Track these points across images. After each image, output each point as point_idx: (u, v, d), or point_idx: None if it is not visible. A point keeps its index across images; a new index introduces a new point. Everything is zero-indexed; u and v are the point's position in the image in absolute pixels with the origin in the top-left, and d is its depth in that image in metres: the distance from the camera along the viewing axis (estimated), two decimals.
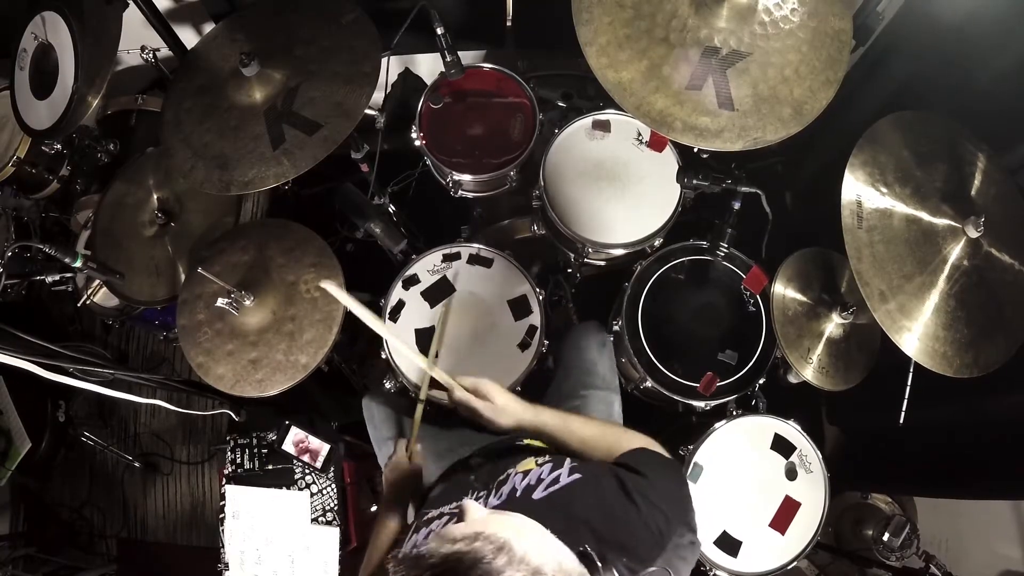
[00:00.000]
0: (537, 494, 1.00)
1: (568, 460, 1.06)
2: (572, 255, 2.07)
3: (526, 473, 1.06)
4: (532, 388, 1.83)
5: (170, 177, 2.15)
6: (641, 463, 1.05)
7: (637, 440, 1.16)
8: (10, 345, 1.41)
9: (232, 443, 2.06)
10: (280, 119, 1.71)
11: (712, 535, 1.79)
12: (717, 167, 1.93)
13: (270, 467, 2.03)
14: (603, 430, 1.23)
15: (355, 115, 1.69)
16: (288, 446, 2.00)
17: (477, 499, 1.08)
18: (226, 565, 1.99)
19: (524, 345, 1.86)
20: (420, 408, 1.54)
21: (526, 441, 1.29)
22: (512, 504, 0.98)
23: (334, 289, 1.38)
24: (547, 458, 1.09)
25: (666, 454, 1.14)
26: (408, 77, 2.45)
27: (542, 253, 2.25)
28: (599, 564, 0.78)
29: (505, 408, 1.26)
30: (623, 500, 0.96)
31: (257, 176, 1.67)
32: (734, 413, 1.89)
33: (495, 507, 1.02)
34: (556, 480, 1.01)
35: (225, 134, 1.73)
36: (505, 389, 1.30)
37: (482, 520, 0.80)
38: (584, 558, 0.79)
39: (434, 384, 1.81)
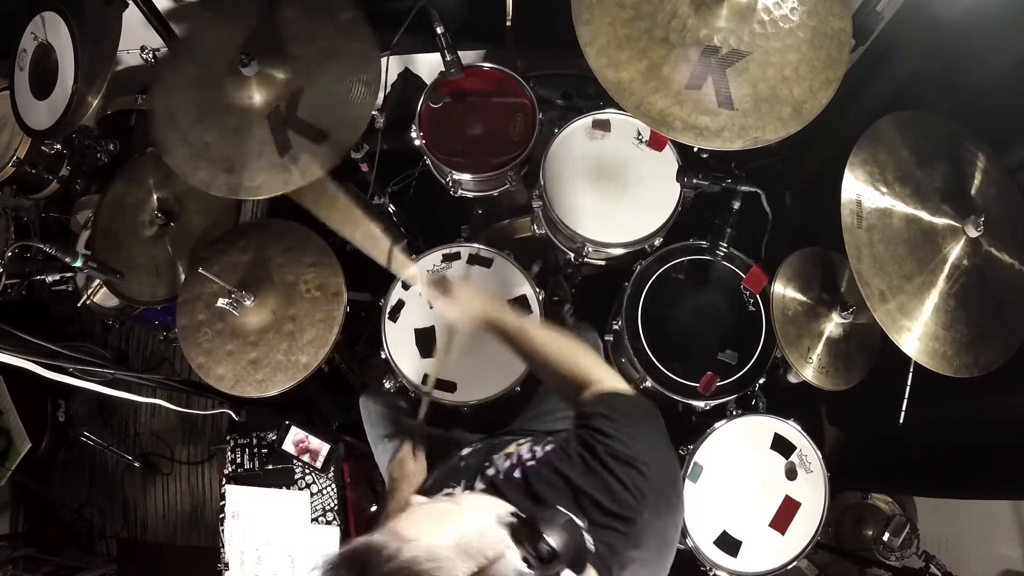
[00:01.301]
0: (517, 472, 1.02)
1: (547, 437, 1.08)
2: (572, 255, 2.07)
3: (508, 455, 1.08)
4: (532, 388, 1.84)
5: (170, 177, 2.15)
6: (608, 414, 0.99)
7: (599, 371, 1.10)
8: (10, 345, 1.41)
9: (232, 443, 2.06)
10: (285, 125, 1.69)
11: (712, 535, 1.79)
12: (717, 166, 1.93)
13: (270, 467, 2.04)
14: (564, 346, 1.17)
15: (361, 123, 1.68)
16: (288, 446, 2.00)
17: (465, 487, 1.08)
18: (226, 565, 1.99)
19: None
20: (427, 403, 1.54)
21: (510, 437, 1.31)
22: (494, 489, 0.98)
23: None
24: (528, 439, 1.11)
25: (633, 394, 1.08)
26: (408, 77, 2.45)
27: (542, 253, 2.25)
28: (528, 525, 0.75)
29: (465, 301, 1.31)
30: (593, 462, 0.94)
31: (266, 183, 1.66)
32: (734, 413, 1.89)
33: (480, 492, 1.03)
34: (533, 455, 1.03)
35: (227, 135, 1.72)
36: (468, 286, 1.34)
37: (411, 510, 0.80)
38: (519, 520, 0.78)
39: (438, 385, 1.83)
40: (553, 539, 0.74)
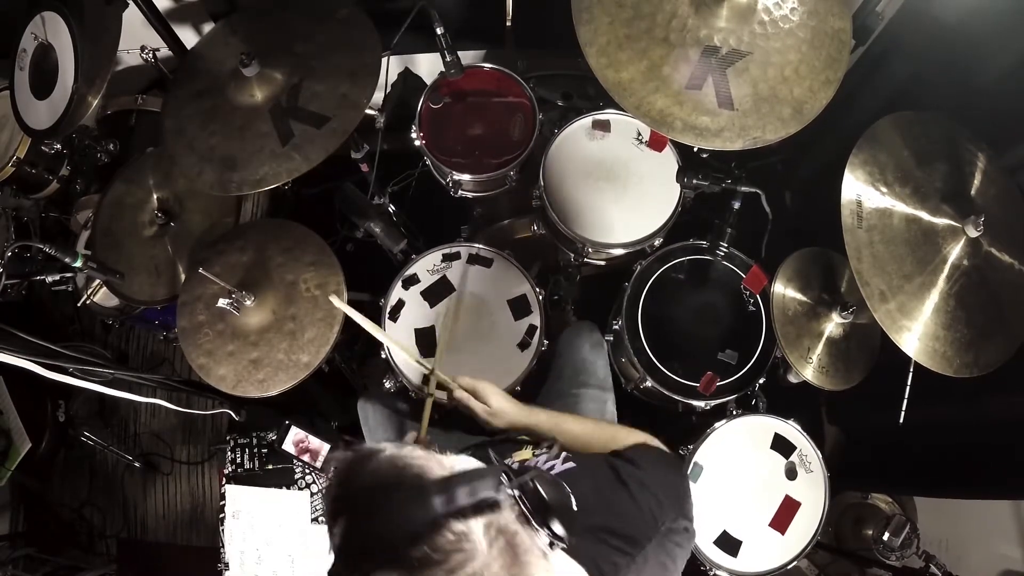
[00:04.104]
0: None
1: (564, 452, 1.08)
2: (572, 255, 2.07)
3: (522, 461, 1.07)
4: (531, 388, 1.84)
5: (170, 177, 2.15)
6: (636, 455, 1.06)
7: (634, 437, 1.17)
8: (10, 345, 1.41)
9: (232, 443, 2.06)
10: (287, 115, 1.71)
11: (712, 535, 1.79)
12: (717, 167, 1.93)
13: (270, 467, 2.04)
14: (598, 428, 1.25)
15: (361, 105, 1.69)
16: (288, 446, 2.00)
17: None
18: (226, 565, 1.99)
19: (524, 345, 1.86)
20: (429, 403, 1.51)
21: (522, 437, 1.30)
22: None
23: (337, 301, 1.45)
24: (543, 448, 1.11)
25: (665, 448, 1.15)
26: (408, 77, 2.45)
27: (542, 253, 2.25)
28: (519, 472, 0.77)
29: (500, 410, 1.29)
30: (614, 484, 0.97)
31: (269, 173, 1.68)
32: (734, 413, 1.89)
33: None
34: (551, 469, 1.03)
35: (231, 135, 1.73)
36: (501, 391, 1.32)
37: None
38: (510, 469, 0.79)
39: (437, 386, 1.81)
40: (544, 489, 0.75)
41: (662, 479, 1.02)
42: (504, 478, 0.72)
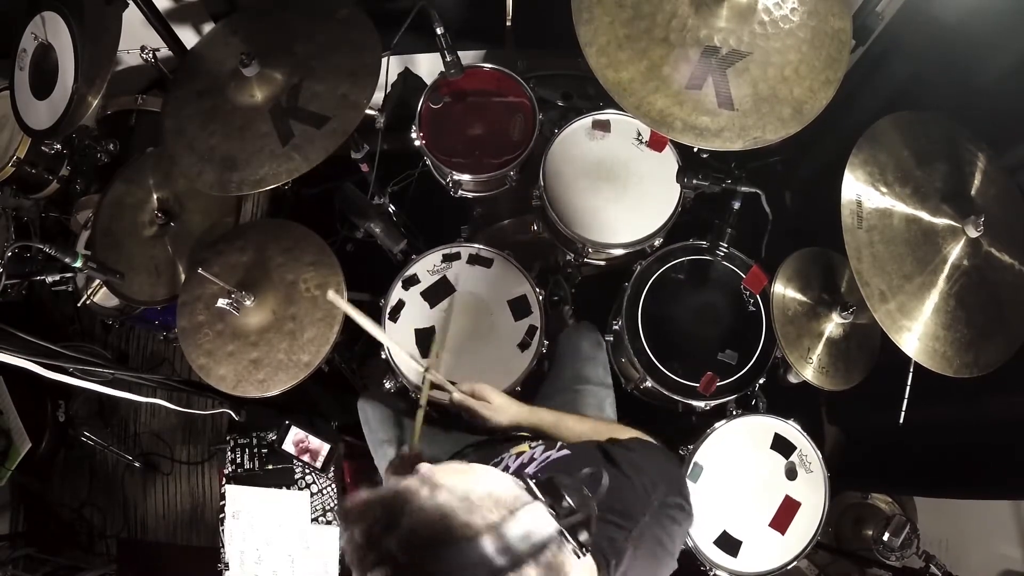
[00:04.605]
0: (530, 469, 1.04)
1: (560, 443, 1.10)
2: (572, 255, 2.07)
3: (519, 454, 1.10)
4: (531, 388, 1.84)
5: (170, 177, 2.15)
6: (630, 442, 1.09)
7: (632, 433, 1.19)
8: (10, 345, 1.41)
9: (232, 443, 2.06)
10: (287, 115, 1.71)
11: (712, 535, 1.79)
12: (717, 167, 1.93)
13: (270, 467, 2.04)
14: (598, 426, 1.27)
15: (362, 105, 1.70)
16: (288, 446, 2.00)
17: None
18: (226, 565, 1.99)
19: (524, 345, 1.86)
20: (421, 413, 1.53)
21: (523, 434, 1.31)
22: None
23: (336, 298, 1.46)
24: (540, 442, 1.13)
25: (657, 444, 1.16)
26: (408, 77, 2.45)
27: (542, 253, 2.25)
28: (546, 491, 0.77)
29: (502, 407, 1.32)
30: (607, 465, 0.99)
31: (269, 173, 1.68)
32: (734, 413, 1.89)
33: None
34: (548, 457, 1.05)
35: (231, 135, 1.74)
36: (500, 391, 1.35)
37: (427, 468, 0.79)
38: (538, 486, 0.78)
39: (434, 385, 1.81)
40: (572, 499, 0.75)
41: (655, 462, 1.05)
42: (551, 512, 0.74)
